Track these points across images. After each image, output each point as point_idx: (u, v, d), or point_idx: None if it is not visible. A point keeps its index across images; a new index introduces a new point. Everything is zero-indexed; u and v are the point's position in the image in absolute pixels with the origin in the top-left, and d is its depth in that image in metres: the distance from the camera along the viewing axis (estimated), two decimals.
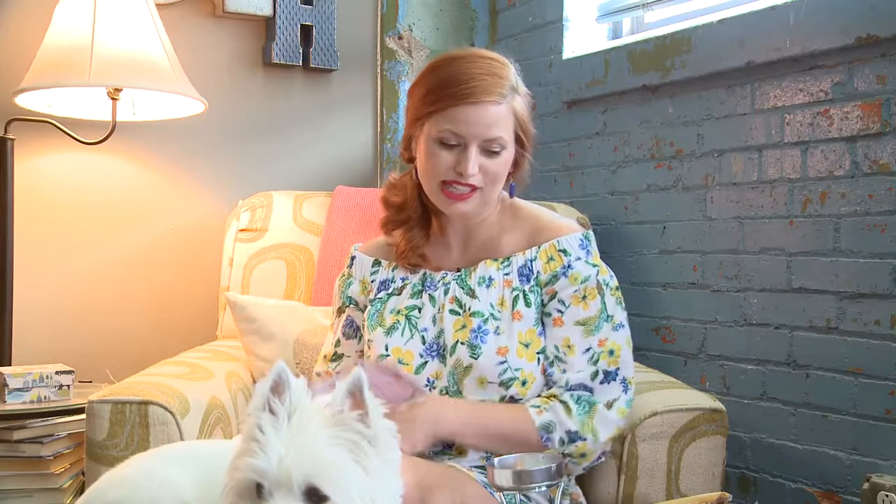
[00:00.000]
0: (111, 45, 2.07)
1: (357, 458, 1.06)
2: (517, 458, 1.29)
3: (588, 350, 1.56)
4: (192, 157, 2.55)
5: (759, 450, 2.07)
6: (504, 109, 1.53)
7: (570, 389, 1.55)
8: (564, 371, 1.56)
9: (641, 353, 2.35)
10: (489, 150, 1.53)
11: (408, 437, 1.40)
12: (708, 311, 2.19)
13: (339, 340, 1.72)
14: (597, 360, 1.56)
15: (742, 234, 2.10)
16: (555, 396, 1.55)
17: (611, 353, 1.56)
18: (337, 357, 1.71)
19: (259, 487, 1.05)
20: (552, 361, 1.57)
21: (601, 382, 1.55)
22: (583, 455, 1.55)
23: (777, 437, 2.03)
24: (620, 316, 1.59)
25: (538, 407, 1.54)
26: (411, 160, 1.65)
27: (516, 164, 1.61)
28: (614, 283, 1.61)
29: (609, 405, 1.55)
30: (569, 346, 1.56)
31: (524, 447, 1.48)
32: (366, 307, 1.69)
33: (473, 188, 1.55)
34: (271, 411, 1.06)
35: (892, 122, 1.80)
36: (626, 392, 1.56)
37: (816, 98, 1.94)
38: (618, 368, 1.56)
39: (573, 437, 1.52)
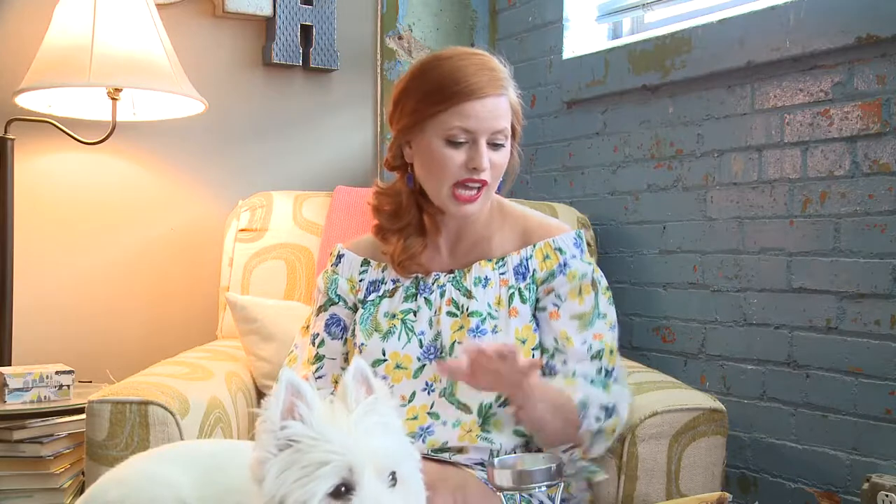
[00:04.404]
0: (111, 45, 2.07)
1: (397, 434, 1.12)
2: (517, 458, 1.29)
3: (584, 343, 1.57)
4: (192, 157, 2.55)
5: (759, 450, 2.07)
6: (505, 102, 1.55)
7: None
8: (566, 362, 1.57)
9: (641, 354, 2.36)
10: (495, 143, 1.54)
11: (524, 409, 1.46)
12: (708, 311, 2.19)
13: (322, 341, 1.66)
14: (601, 357, 1.57)
15: (742, 234, 2.10)
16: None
17: (611, 352, 1.59)
18: (318, 358, 1.66)
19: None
20: (552, 354, 1.58)
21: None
22: (613, 430, 1.54)
23: (777, 437, 2.03)
24: (613, 316, 1.62)
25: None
26: (395, 169, 1.63)
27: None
28: (605, 282, 1.63)
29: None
30: (567, 339, 1.57)
31: (569, 426, 1.48)
32: (355, 306, 1.66)
33: (483, 185, 1.54)
34: (294, 418, 1.06)
35: (892, 122, 1.80)
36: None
37: (816, 98, 1.94)
38: (613, 367, 1.59)
39: (610, 412, 1.52)
